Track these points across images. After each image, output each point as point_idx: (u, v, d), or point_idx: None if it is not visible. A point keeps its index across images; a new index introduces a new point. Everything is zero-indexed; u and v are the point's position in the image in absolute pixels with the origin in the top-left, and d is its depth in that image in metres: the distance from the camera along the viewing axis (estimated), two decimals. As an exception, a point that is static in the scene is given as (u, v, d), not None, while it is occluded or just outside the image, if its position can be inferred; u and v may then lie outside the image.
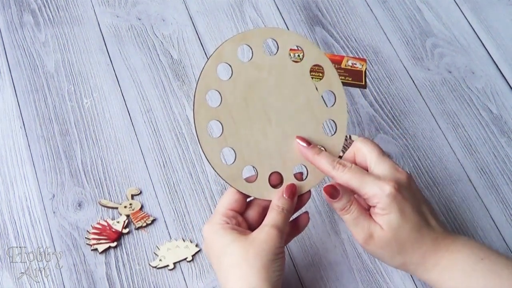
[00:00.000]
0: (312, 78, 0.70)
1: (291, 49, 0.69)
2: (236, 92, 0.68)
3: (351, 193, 0.66)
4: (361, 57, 0.91)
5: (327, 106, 0.70)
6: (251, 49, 0.68)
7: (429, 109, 0.87)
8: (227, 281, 0.65)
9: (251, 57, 0.69)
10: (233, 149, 0.69)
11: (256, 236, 0.66)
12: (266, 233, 0.66)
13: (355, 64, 0.89)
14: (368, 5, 0.96)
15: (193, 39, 0.92)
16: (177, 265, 0.75)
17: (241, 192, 0.69)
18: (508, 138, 0.85)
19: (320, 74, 0.70)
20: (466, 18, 0.95)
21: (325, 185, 0.66)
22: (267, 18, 0.94)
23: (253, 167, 0.69)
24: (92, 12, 0.93)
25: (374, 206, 0.65)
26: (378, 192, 0.64)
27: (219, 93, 0.68)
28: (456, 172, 0.82)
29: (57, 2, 0.94)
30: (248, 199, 0.71)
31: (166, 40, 0.91)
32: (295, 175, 0.70)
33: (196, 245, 0.76)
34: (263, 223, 0.68)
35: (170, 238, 0.77)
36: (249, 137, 0.69)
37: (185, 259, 0.76)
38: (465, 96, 0.88)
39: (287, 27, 0.93)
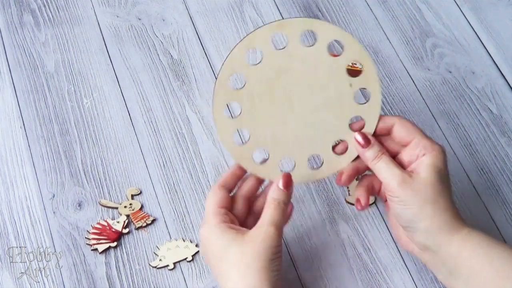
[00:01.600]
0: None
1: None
2: (262, 77, 0.68)
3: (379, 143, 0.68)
4: (361, 57, 0.91)
5: (358, 103, 0.70)
6: (287, 38, 0.67)
7: (429, 109, 0.87)
8: (226, 283, 0.65)
9: (285, 46, 0.68)
10: (247, 130, 0.69)
11: (254, 236, 0.66)
12: (264, 232, 0.66)
13: (355, 64, 0.89)
14: (368, 5, 0.96)
15: (193, 39, 0.92)
16: (177, 265, 0.75)
17: (224, 187, 0.69)
18: (508, 138, 0.85)
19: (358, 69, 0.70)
20: (466, 18, 0.95)
21: (356, 134, 0.68)
22: (267, 18, 0.94)
23: (265, 150, 0.70)
24: (92, 12, 0.93)
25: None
26: (427, 143, 0.67)
27: (244, 76, 0.68)
28: (456, 172, 0.82)
29: (57, 2, 0.94)
30: (231, 194, 0.71)
31: (166, 40, 0.91)
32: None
33: (196, 245, 0.76)
34: (261, 220, 0.67)
35: (170, 238, 0.77)
36: (267, 121, 0.69)
37: (185, 259, 0.76)
38: (465, 96, 0.88)
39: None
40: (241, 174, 0.71)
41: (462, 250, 0.64)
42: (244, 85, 0.68)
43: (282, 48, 0.68)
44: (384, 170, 0.66)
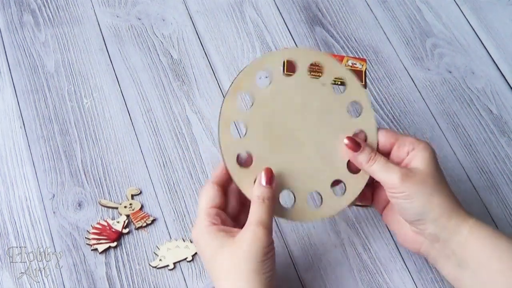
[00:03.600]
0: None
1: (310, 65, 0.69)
2: (258, 120, 0.68)
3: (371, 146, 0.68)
4: (361, 57, 0.91)
5: (353, 116, 0.69)
6: (268, 73, 0.68)
7: (429, 109, 0.87)
8: (219, 287, 0.65)
9: (270, 83, 0.68)
10: (250, 153, 0.68)
11: (242, 238, 0.64)
12: (252, 233, 0.64)
13: (355, 64, 0.89)
14: (368, 5, 0.96)
15: (193, 39, 0.92)
16: (177, 265, 0.75)
17: (217, 184, 0.68)
18: (508, 138, 0.85)
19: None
20: (466, 18, 0.95)
21: (345, 139, 0.67)
22: (267, 18, 0.94)
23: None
24: (92, 12, 0.93)
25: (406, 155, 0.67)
26: (412, 140, 0.67)
27: (244, 123, 0.68)
28: (456, 172, 0.82)
29: (57, 2, 0.94)
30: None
31: (166, 40, 0.91)
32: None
33: (196, 245, 0.76)
34: (248, 220, 0.66)
35: (170, 238, 0.77)
36: (273, 151, 0.68)
37: (185, 259, 0.76)
38: (465, 96, 0.88)
39: (287, 27, 0.93)
40: None
41: (470, 239, 0.64)
42: (246, 132, 0.68)
43: (268, 86, 0.68)
44: (381, 170, 0.66)
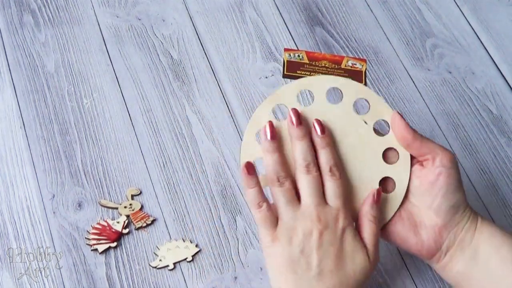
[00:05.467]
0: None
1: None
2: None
3: None
4: (361, 57, 0.91)
5: (382, 135, 0.67)
6: (286, 106, 0.66)
7: (429, 109, 0.87)
8: None
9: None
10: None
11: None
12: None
13: (355, 64, 0.89)
14: (368, 5, 0.96)
15: (193, 39, 0.92)
16: (177, 265, 0.75)
17: None
18: (508, 139, 0.85)
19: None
20: (466, 18, 0.95)
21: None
22: (267, 18, 0.94)
23: None
24: (92, 12, 0.93)
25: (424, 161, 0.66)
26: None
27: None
28: (456, 172, 0.82)
29: (57, 2, 0.94)
30: None
31: (166, 40, 0.91)
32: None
33: (196, 245, 0.76)
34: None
35: (170, 238, 0.77)
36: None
37: (185, 259, 0.76)
38: (465, 96, 0.89)
39: (287, 27, 0.93)
40: None
41: (483, 226, 0.66)
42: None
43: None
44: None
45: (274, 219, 0.65)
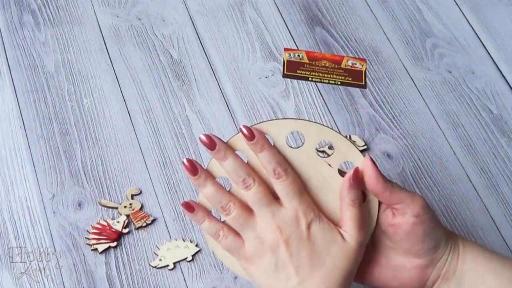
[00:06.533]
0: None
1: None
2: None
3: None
4: (361, 57, 0.91)
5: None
6: (273, 141, 0.64)
7: (429, 109, 0.87)
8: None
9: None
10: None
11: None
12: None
13: (355, 64, 0.89)
14: (368, 5, 0.96)
15: (193, 39, 0.92)
16: (177, 265, 0.75)
17: None
18: (508, 138, 0.85)
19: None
20: (466, 18, 0.95)
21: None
22: (267, 18, 0.94)
23: None
24: (92, 12, 0.93)
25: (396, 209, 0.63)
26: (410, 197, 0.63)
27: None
28: (456, 172, 0.82)
29: (57, 2, 0.94)
30: None
31: (166, 40, 0.91)
32: None
33: (196, 245, 0.76)
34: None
35: (170, 238, 0.77)
36: None
37: (185, 259, 0.76)
38: (465, 96, 0.89)
39: (287, 27, 0.93)
40: None
41: (466, 254, 0.64)
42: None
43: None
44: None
45: (239, 240, 0.63)
